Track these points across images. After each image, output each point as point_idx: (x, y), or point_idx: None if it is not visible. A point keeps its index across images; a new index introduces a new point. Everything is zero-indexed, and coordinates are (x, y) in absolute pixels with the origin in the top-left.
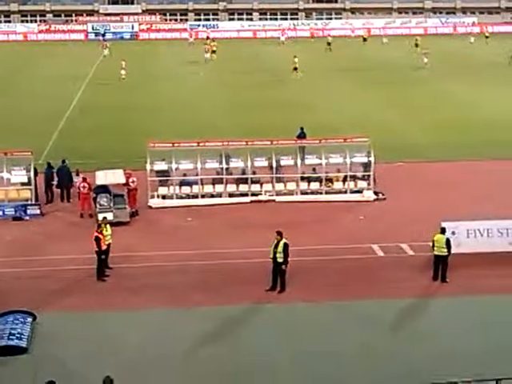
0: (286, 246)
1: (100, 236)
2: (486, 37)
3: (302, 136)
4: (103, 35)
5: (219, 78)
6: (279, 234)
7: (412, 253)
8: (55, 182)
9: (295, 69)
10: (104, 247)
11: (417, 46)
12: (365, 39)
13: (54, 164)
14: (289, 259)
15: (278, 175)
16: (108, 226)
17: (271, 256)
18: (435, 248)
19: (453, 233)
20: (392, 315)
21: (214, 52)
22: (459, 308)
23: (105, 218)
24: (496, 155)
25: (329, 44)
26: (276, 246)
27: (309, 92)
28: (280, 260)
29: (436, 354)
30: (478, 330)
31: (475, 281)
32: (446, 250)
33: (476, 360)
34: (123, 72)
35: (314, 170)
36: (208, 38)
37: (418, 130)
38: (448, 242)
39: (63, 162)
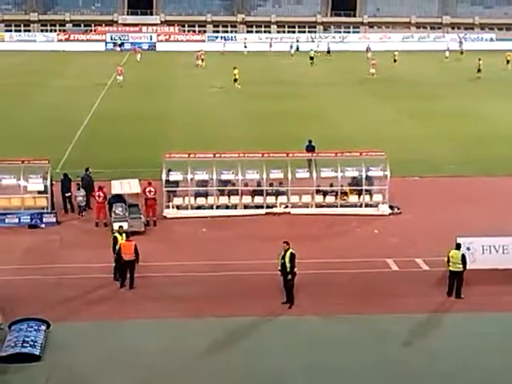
0: (292, 255)
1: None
2: (461, 52)
3: (310, 148)
4: (120, 45)
5: (232, 89)
6: (287, 243)
7: (427, 268)
8: (73, 193)
9: (235, 80)
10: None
11: (395, 61)
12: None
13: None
14: (296, 270)
15: (293, 187)
16: (124, 235)
17: (279, 267)
18: (450, 264)
19: (468, 248)
20: (405, 330)
21: (202, 60)
22: (474, 324)
23: (121, 226)
24: None
25: (311, 58)
26: (283, 257)
27: (319, 104)
28: (288, 270)
29: (449, 370)
30: (492, 346)
31: (490, 297)
32: (461, 266)
33: (490, 377)
34: (120, 78)
35: (331, 185)
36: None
37: (434, 145)
38: (463, 257)
39: (87, 170)
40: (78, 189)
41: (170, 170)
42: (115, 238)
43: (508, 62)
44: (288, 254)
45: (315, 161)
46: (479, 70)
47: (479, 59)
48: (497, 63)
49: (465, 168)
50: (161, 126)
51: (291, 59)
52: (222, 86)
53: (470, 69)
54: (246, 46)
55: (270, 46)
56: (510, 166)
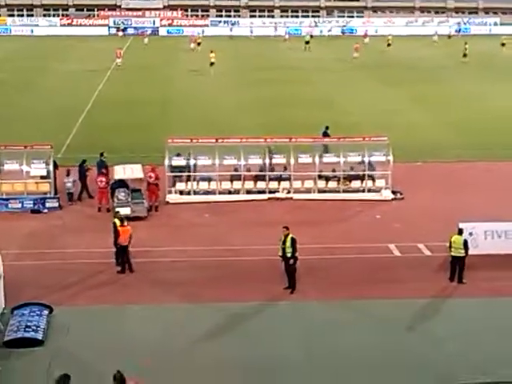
0: (293, 240)
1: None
2: (449, 36)
3: (325, 135)
4: (124, 30)
5: (228, 75)
6: (286, 228)
7: (429, 253)
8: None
9: (212, 64)
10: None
11: (389, 45)
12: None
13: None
14: (297, 254)
15: (295, 173)
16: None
17: (280, 253)
18: (452, 249)
19: (470, 234)
20: (408, 315)
21: (199, 44)
22: (476, 309)
23: (117, 212)
24: None
25: (307, 43)
26: (284, 242)
27: (321, 89)
28: (289, 255)
29: (452, 355)
30: (494, 331)
31: (492, 282)
32: (463, 251)
33: (492, 362)
34: (119, 60)
35: (333, 170)
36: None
37: (437, 130)
38: (465, 243)
39: (101, 155)
40: (67, 175)
41: (178, 155)
42: (114, 224)
43: (503, 44)
44: (289, 238)
45: (328, 147)
46: (465, 55)
47: (465, 43)
48: (495, 47)
49: (468, 153)
50: (163, 110)
51: (286, 43)
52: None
53: (462, 53)
54: (251, 31)
55: (275, 29)
56: None
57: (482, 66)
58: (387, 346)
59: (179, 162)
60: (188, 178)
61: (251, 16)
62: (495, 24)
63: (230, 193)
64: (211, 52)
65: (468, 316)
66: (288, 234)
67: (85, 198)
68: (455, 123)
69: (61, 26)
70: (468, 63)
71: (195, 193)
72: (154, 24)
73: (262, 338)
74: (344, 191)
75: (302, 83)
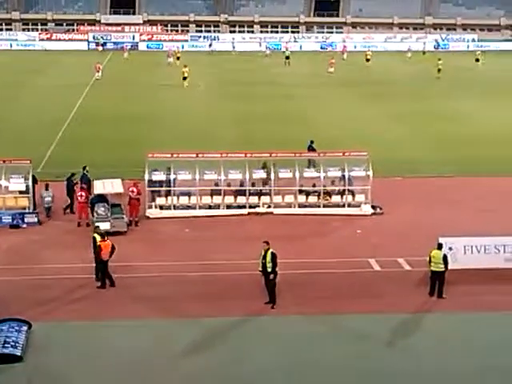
0: (273, 255)
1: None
2: (424, 53)
3: (310, 149)
4: (103, 45)
5: (208, 89)
6: (267, 243)
7: (409, 268)
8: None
9: (184, 78)
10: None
11: (368, 60)
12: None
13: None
14: (277, 269)
15: (276, 187)
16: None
17: (260, 268)
18: (432, 264)
19: (450, 248)
20: (387, 330)
21: (178, 58)
22: (455, 324)
23: (97, 227)
24: (495, 171)
25: (287, 58)
26: (264, 257)
27: (302, 105)
28: (269, 270)
29: (431, 370)
30: (473, 347)
31: (472, 297)
32: (442, 266)
33: (470, 378)
34: (98, 74)
35: (313, 185)
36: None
37: (416, 145)
38: (445, 257)
39: (84, 168)
40: (46, 189)
41: (155, 170)
42: (94, 239)
43: (477, 60)
44: (269, 253)
45: (315, 161)
46: (439, 70)
47: (439, 59)
48: (472, 63)
49: (447, 168)
50: (143, 125)
51: (267, 59)
52: (200, 85)
53: (443, 70)
54: (234, 47)
55: (260, 45)
56: (491, 166)
57: (458, 82)
58: (367, 360)
59: (159, 176)
60: (168, 193)
61: (231, 31)
62: (473, 40)
63: (210, 207)
64: (185, 66)
65: (448, 331)
66: (268, 249)
67: (67, 213)
68: (434, 138)
69: (40, 40)
70: (443, 79)
71: (175, 207)
72: (133, 39)
73: (243, 352)
74: (324, 206)
75: (282, 98)
